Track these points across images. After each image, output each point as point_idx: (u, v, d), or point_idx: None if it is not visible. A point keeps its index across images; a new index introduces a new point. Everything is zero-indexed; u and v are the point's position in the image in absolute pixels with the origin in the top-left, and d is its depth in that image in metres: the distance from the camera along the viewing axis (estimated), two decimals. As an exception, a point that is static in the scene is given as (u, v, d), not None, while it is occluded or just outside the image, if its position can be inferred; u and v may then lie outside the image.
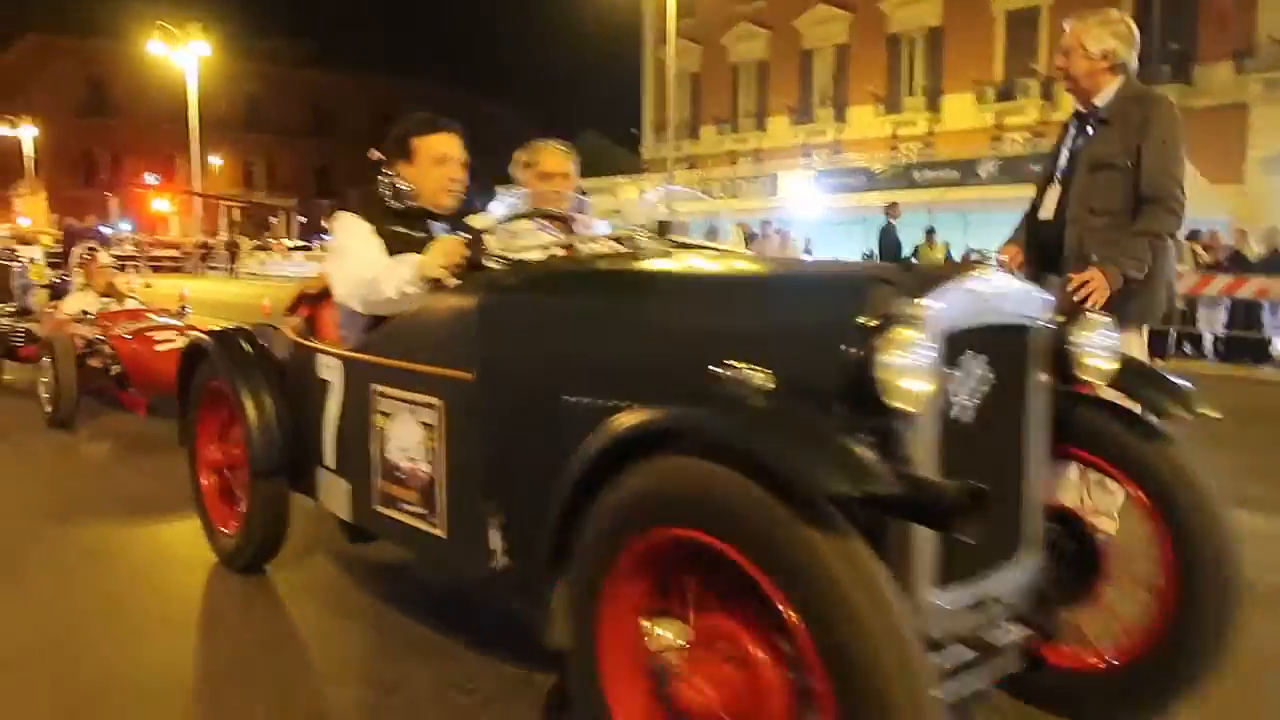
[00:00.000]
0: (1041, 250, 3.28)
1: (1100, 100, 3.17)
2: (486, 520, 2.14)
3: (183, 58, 35.82)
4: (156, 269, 29.71)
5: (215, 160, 51.72)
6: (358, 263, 2.77)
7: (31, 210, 53.12)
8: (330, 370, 2.85)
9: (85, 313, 6.36)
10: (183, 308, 6.89)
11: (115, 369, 5.73)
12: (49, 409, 5.61)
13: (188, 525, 3.65)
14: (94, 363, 5.83)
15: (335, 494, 2.85)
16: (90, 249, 7.56)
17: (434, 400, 2.34)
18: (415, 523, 2.43)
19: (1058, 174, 3.26)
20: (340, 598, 3.03)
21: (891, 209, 13.58)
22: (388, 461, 2.53)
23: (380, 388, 2.57)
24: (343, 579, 3.21)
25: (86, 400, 5.72)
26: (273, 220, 52.31)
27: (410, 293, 2.52)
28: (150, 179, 47.42)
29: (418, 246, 2.66)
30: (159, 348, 5.66)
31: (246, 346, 3.24)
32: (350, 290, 2.79)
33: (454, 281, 2.42)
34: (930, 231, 15.02)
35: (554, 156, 3.75)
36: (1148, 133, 3.04)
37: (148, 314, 6.54)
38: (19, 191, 55.27)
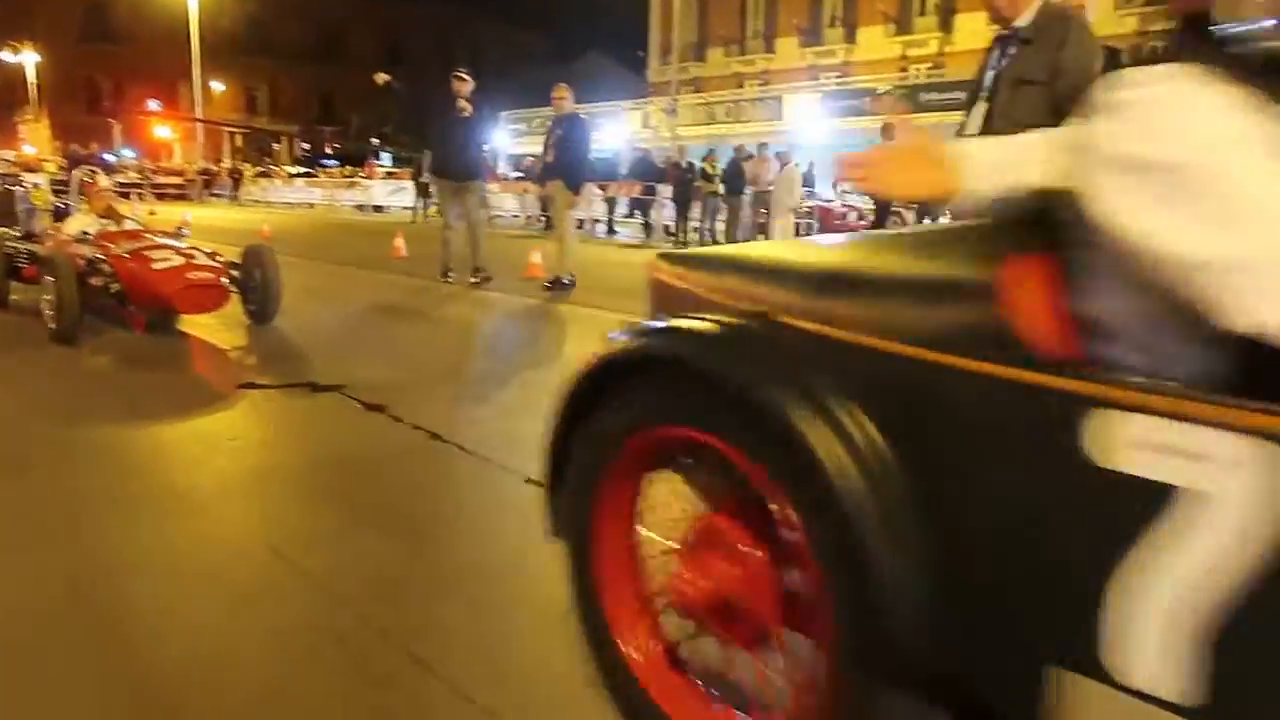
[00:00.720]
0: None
1: (1022, 21, 3.35)
2: None
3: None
4: (160, 196, 29.81)
5: (217, 86, 51.26)
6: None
7: (35, 137, 53.09)
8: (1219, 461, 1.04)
9: (85, 233, 6.48)
10: (180, 229, 6.99)
11: (115, 287, 5.86)
12: (52, 325, 5.74)
13: (187, 425, 3.98)
14: (94, 281, 5.94)
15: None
16: (91, 171, 7.57)
17: None
18: None
19: (983, 93, 3.45)
20: (335, 495, 3.31)
21: (887, 130, 13.34)
22: None
23: None
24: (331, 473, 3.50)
25: (89, 319, 5.87)
26: (275, 146, 52.12)
27: None
28: (152, 105, 47.13)
29: None
30: (156, 266, 5.77)
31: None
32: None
33: None
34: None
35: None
36: (1065, 49, 3.22)
37: (146, 234, 6.64)
38: (23, 118, 55.33)
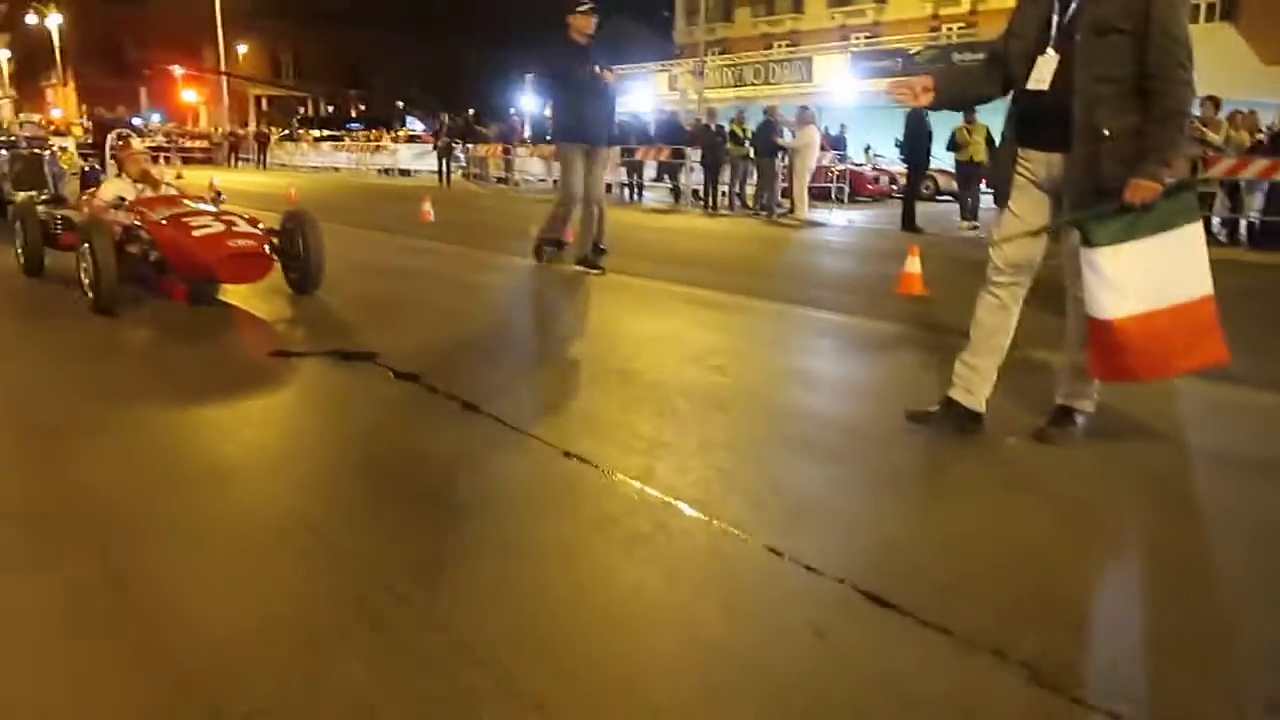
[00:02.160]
0: (1033, 123, 3.30)
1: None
2: None
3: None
4: (187, 160, 29.92)
5: (241, 48, 51.11)
6: None
7: (62, 101, 53.39)
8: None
9: (121, 199, 6.20)
10: (217, 194, 6.72)
11: (154, 255, 5.65)
12: (90, 295, 5.51)
13: (218, 395, 3.93)
14: (132, 249, 5.74)
15: None
16: (123, 135, 7.25)
17: None
18: None
19: (1052, 42, 3.25)
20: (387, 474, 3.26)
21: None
22: None
23: None
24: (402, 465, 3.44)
25: (129, 288, 5.72)
26: (300, 110, 52.10)
27: None
28: (177, 70, 47.07)
29: None
30: (196, 233, 5.48)
31: None
32: None
33: None
34: (970, 112, 14.45)
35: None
36: None
37: (183, 200, 6.38)
38: (50, 82, 55.52)
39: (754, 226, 13.97)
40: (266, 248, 5.68)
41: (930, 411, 3.54)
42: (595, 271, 7.47)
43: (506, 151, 23.32)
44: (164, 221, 5.64)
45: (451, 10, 58.60)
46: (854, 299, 6.85)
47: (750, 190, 16.66)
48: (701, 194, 17.09)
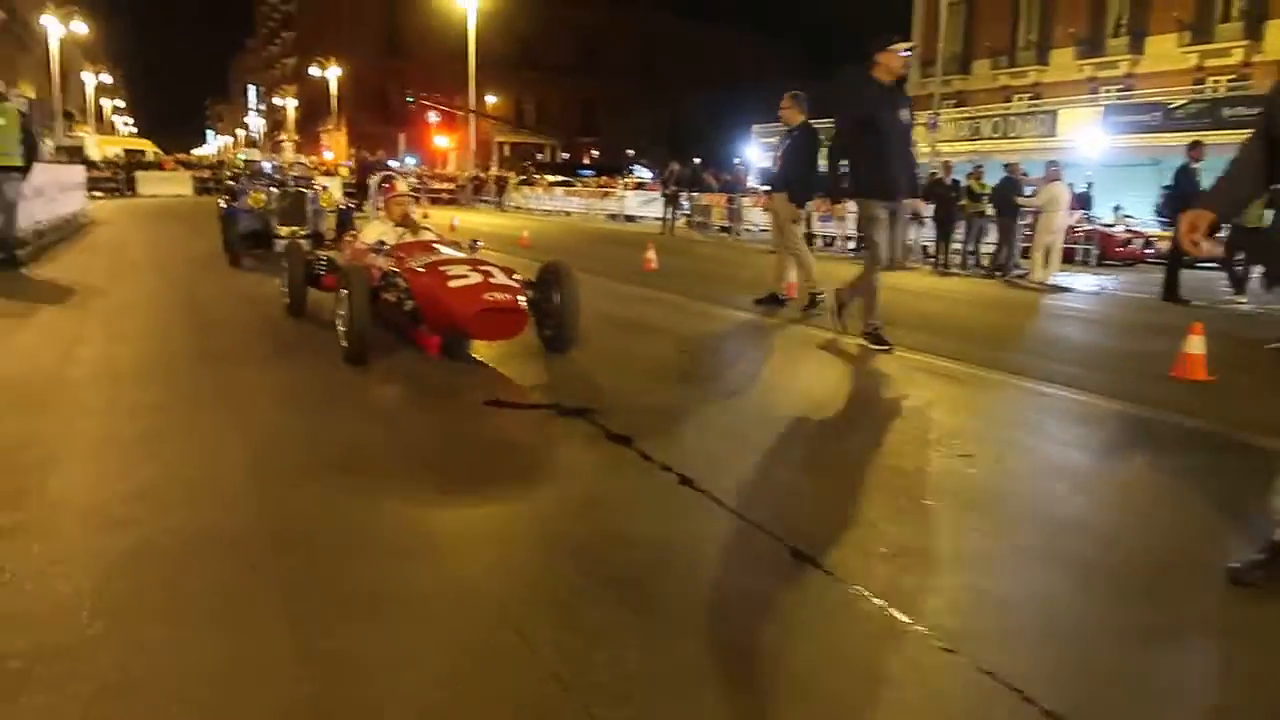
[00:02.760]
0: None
1: None
2: None
3: (464, -1, 37.93)
4: (434, 200, 32.06)
5: (491, 98, 54.68)
6: None
7: (334, 144, 59.23)
8: None
9: (381, 243, 6.06)
10: (474, 241, 6.42)
11: (409, 305, 5.37)
12: (343, 343, 5.29)
13: (441, 470, 3.83)
14: (389, 296, 5.52)
15: None
16: (389, 178, 7.06)
17: None
18: None
19: None
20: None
21: (1194, 149, 11.95)
22: None
23: None
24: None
25: (384, 334, 5.59)
26: (538, 156, 55.08)
27: None
28: (432, 117, 50.95)
29: None
30: (452, 284, 5.16)
31: None
32: None
33: None
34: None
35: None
36: None
37: (440, 245, 6.15)
38: (326, 128, 61.88)
39: (991, 289, 13.01)
40: (521, 300, 5.31)
41: (1258, 562, 2.72)
42: (882, 349, 6.38)
43: (730, 201, 23.30)
44: (421, 269, 5.42)
45: (677, 61, 60.27)
46: (1121, 381, 6.01)
47: (987, 249, 15.64)
48: (932, 252, 16.21)
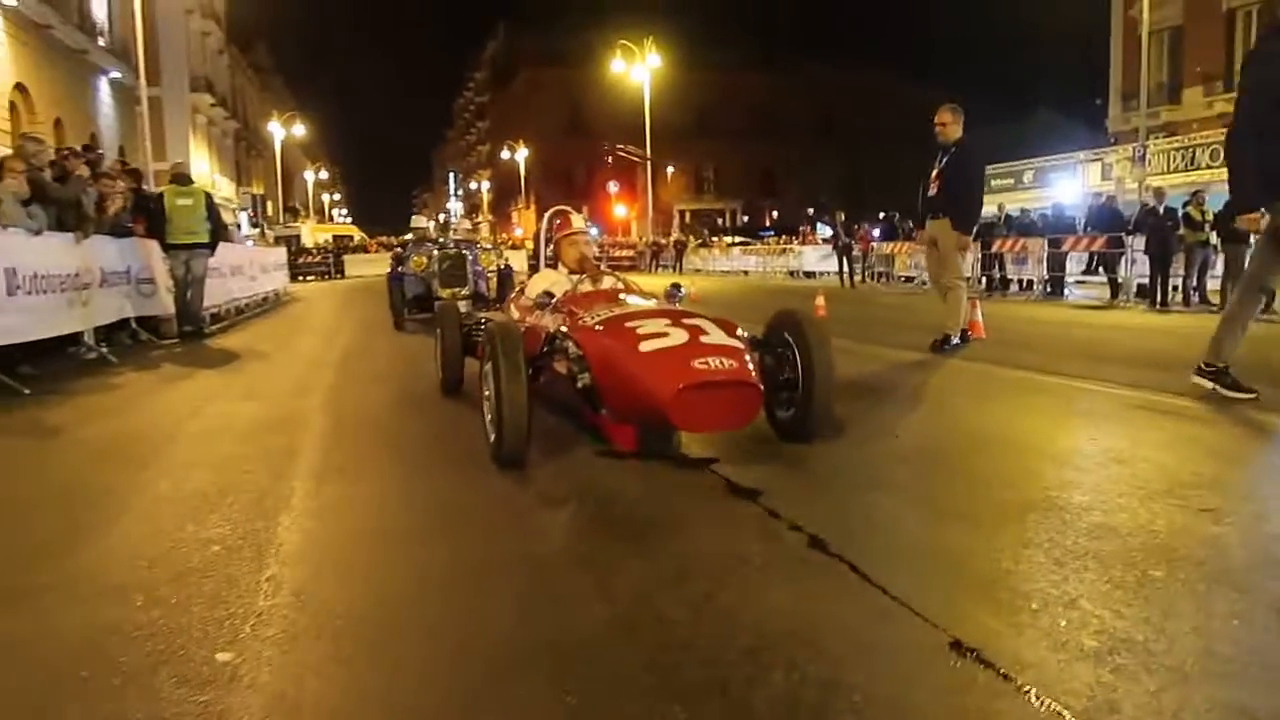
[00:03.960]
0: None
1: None
2: None
3: (639, 72, 38.81)
4: (614, 267, 32.36)
5: (669, 168, 55.56)
6: None
7: (524, 221, 61.97)
8: None
9: (548, 296, 4.59)
10: (674, 288, 5.05)
11: (583, 379, 3.79)
12: (492, 435, 3.78)
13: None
14: (558, 367, 3.99)
15: None
16: (560, 211, 5.75)
17: None
18: None
19: None
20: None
21: None
22: None
23: None
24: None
25: (559, 420, 4.28)
26: (719, 220, 55.37)
27: None
28: (612, 187, 52.29)
29: None
30: (644, 346, 3.59)
31: None
32: None
33: None
34: None
35: None
36: None
37: (629, 292, 4.73)
38: (516, 207, 65.00)
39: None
40: (751, 367, 3.59)
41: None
42: (1249, 396, 4.80)
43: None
44: (599, 326, 3.94)
45: (858, 118, 59.11)
46: None
47: (1212, 285, 13.72)
48: (1148, 288, 14.43)
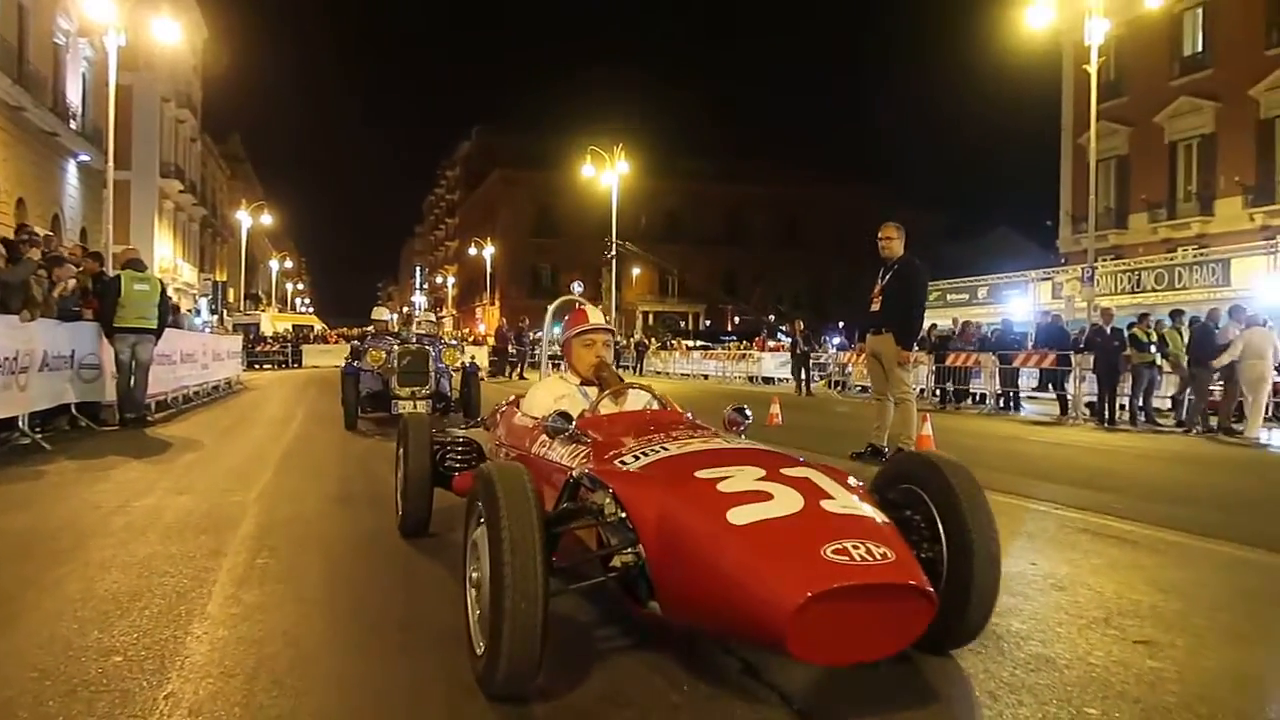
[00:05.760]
0: None
1: None
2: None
3: (609, 177, 39.68)
4: (574, 366, 32.40)
5: (635, 270, 56.33)
6: None
7: (488, 318, 62.18)
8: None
9: (561, 415, 3.26)
10: (739, 411, 3.83)
11: (627, 558, 2.51)
12: (478, 647, 2.43)
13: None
14: (580, 531, 2.74)
15: None
16: (569, 303, 4.88)
17: None
18: None
19: None
20: None
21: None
22: None
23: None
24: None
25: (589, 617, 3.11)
26: (681, 323, 55.99)
27: None
28: (576, 287, 52.81)
29: None
30: (736, 517, 2.26)
31: None
32: None
33: None
34: None
35: None
36: None
37: (688, 421, 3.45)
38: (481, 303, 65.28)
39: (1172, 443, 11.40)
40: (910, 552, 2.27)
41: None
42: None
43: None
44: (648, 471, 2.68)
45: (821, 229, 60.74)
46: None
47: (1162, 404, 14.04)
48: (1097, 406, 14.71)
